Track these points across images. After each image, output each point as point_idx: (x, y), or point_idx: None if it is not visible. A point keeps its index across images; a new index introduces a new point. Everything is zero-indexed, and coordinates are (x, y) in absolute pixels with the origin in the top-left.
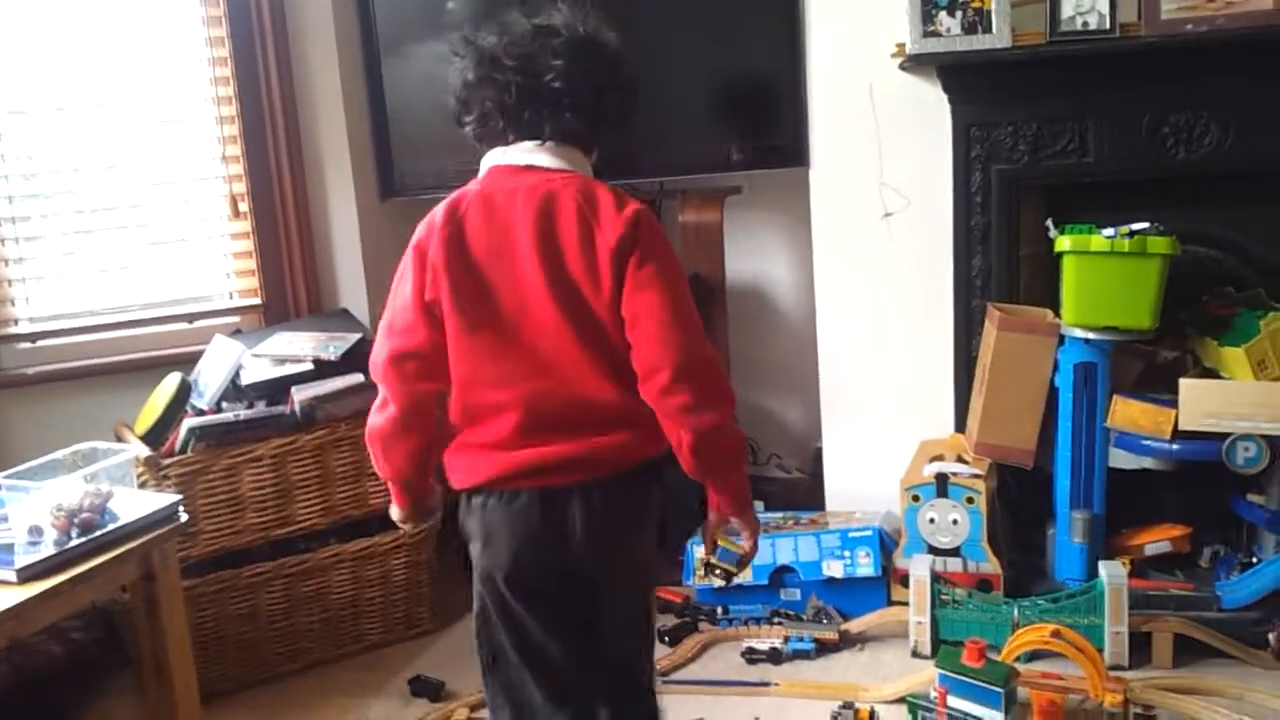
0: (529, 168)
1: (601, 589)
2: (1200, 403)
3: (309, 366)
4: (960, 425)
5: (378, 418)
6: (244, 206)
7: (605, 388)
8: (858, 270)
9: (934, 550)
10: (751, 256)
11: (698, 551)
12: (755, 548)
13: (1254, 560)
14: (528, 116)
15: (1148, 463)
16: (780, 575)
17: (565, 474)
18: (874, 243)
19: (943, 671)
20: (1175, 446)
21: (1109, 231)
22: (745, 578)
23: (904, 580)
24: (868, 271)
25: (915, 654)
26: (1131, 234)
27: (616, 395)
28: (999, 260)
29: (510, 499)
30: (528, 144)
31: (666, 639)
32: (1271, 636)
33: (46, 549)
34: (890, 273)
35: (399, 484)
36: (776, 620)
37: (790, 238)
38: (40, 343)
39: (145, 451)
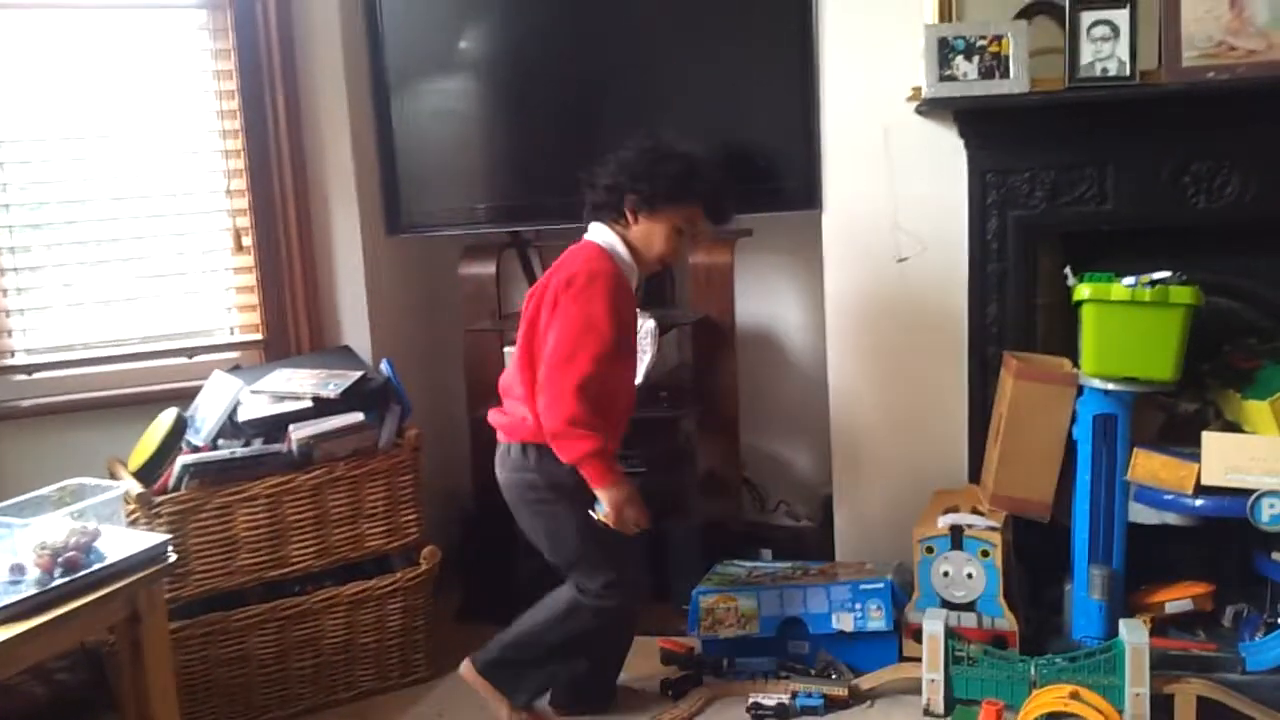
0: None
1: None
2: (1224, 457)
3: (308, 404)
4: (975, 476)
5: None
6: (247, 241)
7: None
8: (870, 315)
9: (948, 604)
10: (762, 300)
11: (703, 601)
12: (614, 517)
13: (1279, 621)
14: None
15: (1169, 518)
16: (789, 627)
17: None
18: (888, 288)
19: None
20: (1198, 502)
21: (1129, 280)
22: (752, 630)
23: (916, 635)
24: (880, 317)
25: (927, 713)
26: (1153, 283)
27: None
28: (1015, 308)
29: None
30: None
31: (671, 692)
32: None
33: (28, 588)
34: (904, 319)
35: None
36: (784, 674)
37: (802, 281)
38: (36, 375)
39: (137, 488)
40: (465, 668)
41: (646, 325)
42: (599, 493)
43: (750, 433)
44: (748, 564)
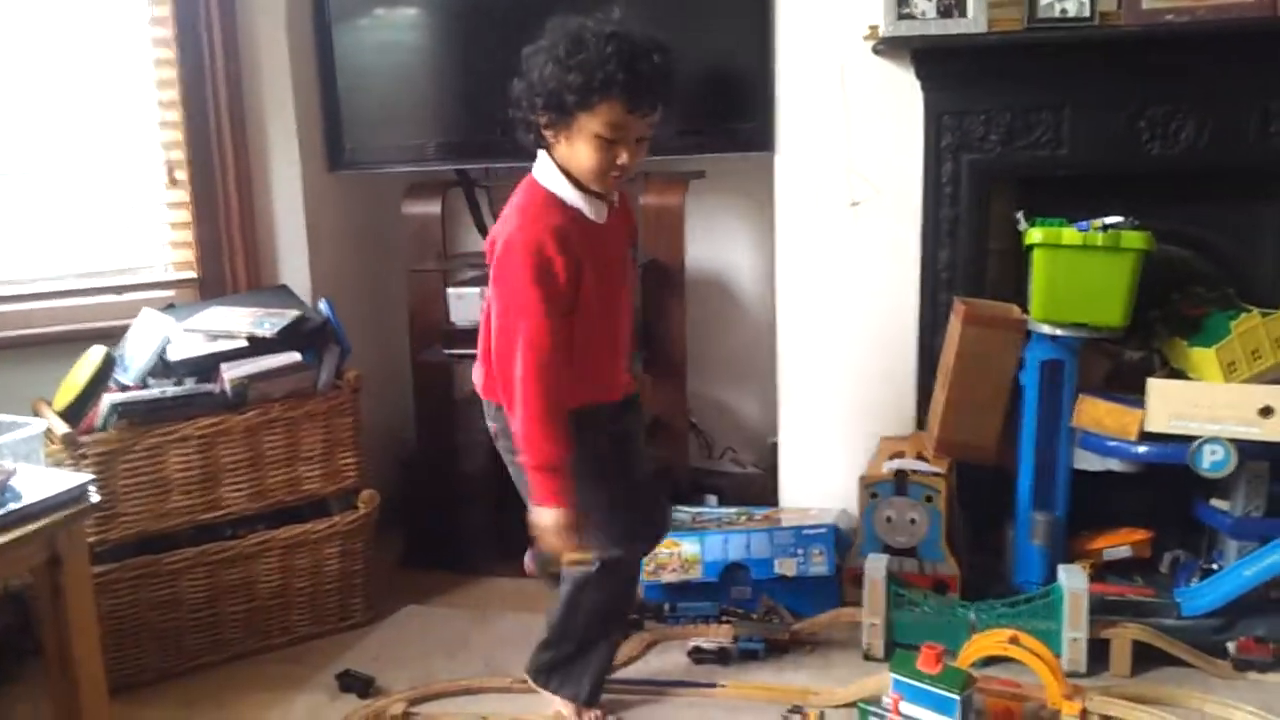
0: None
1: None
2: (1168, 404)
3: (243, 344)
4: (923, 422)
5: None
6: (181, 175)
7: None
8: (821, 260)
9: (890, 550)
10: (713, 243)
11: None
12: (540, 539)
13: (1215, 567)
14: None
15: (1112, 464)
16: (732, 572)
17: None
18: (840, 232)
19: (897, 677)
20: (1141, 449)
21: (1082, 225)
22: (695, 575)
23: (858, 580)
24: (832, 262)
25: (867, 657)
26: (1105, 228)
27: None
28: (967, 253)
29: None
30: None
31: None
32: (1231, 646)
33: None
34: (855, 263)
35: None
36: (726, 619)
37: (753, 225)
38: None
39: (62, 427)
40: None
41: None
42: (532, 506)
43: (698, 379)
44: (692, 509)
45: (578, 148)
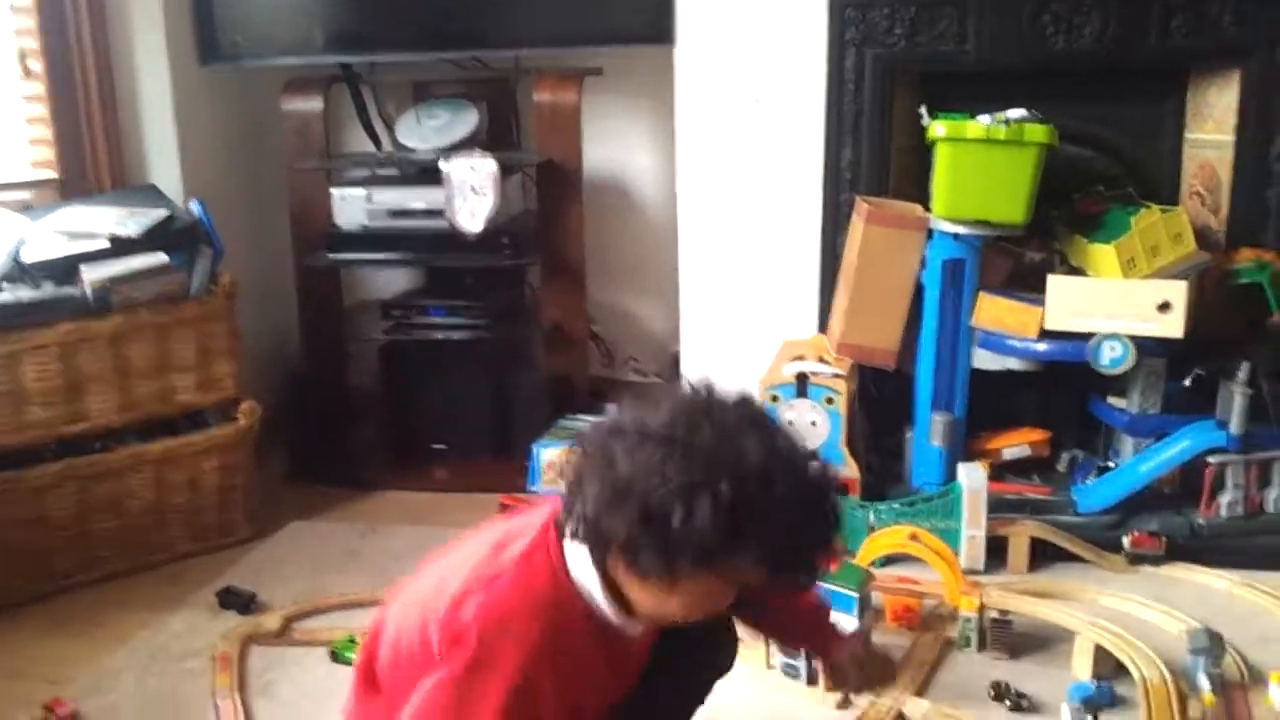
0: None
1: None
2: (1068, 301)
3: (104, 244)
4: (824, 325)
5: None
6: (35, 66)
7: None
8: (723, 161)
9: None
10: (611, 144)
11: (544, 455)
12: None
13: (1111, 465)
14: None
15: (1012, 363)
16: None
17: None
18: (741, 131)
19: None
20: (1041, 346)
21: (985, 119)
22: None
23: None
24: (733, 162)
25: None
26: (1008, 122)
27: None
28: (870, 151)
29: None
30: None
31: None
32: (1125, 540)
33: None
34: (757, 163)
35: None
36: None
37: (653, 124)
38: None
39: None
40: None
41: (487, 167)
42: None
43: (598, 285)
44: (591, 418)
45: (660, 596)
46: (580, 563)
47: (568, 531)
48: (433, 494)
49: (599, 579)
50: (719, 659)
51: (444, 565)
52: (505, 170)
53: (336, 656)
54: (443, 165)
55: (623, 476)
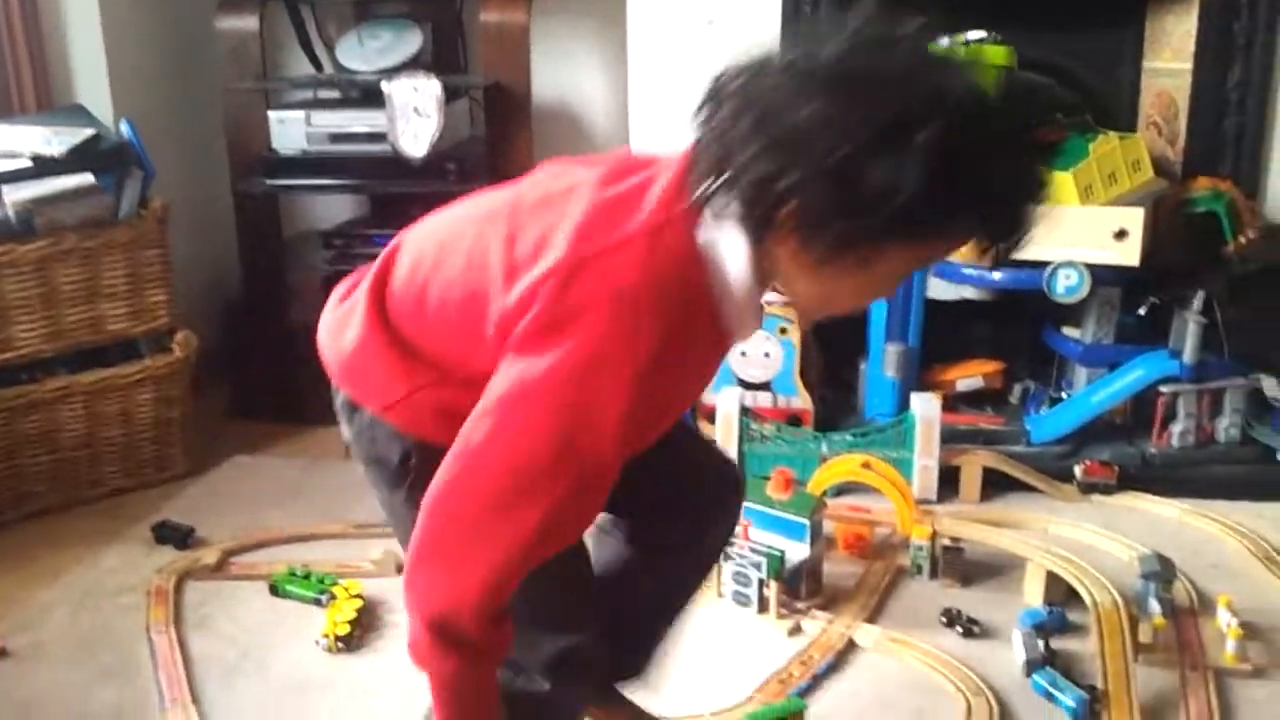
0: None
1: None
2: None
3: (26, 164)
4: None
5: None
6: None
7: None
8: (677, 85)
9: (743, 384)
10: (561, 67)
11: None
12: None
13: (1063, 395)
14: None
15: (967, 292)
16: None
17: None
18: (695, 54)
19: (747, 504)
20: (997, 275)
21: (944, 41)
22: None
23: (712, 416)
24: (687, 86)
25: None
26: (967, 43)
27: None
28: None
29: None
30: None
31: None
32: (1077, 470)
33: None
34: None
35: None
36: None
37: (604, 47)
38: None
39: None
40: None
41: (431, 89)
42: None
43: None
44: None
45: (838, 279)
46: (724, 244)
47: (710, 206)
48: None
49: (750, 264)
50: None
51: (500, 212)
52: (450, 93)
53: (276, 590)
54: (385, 87)
55: (799, 127)
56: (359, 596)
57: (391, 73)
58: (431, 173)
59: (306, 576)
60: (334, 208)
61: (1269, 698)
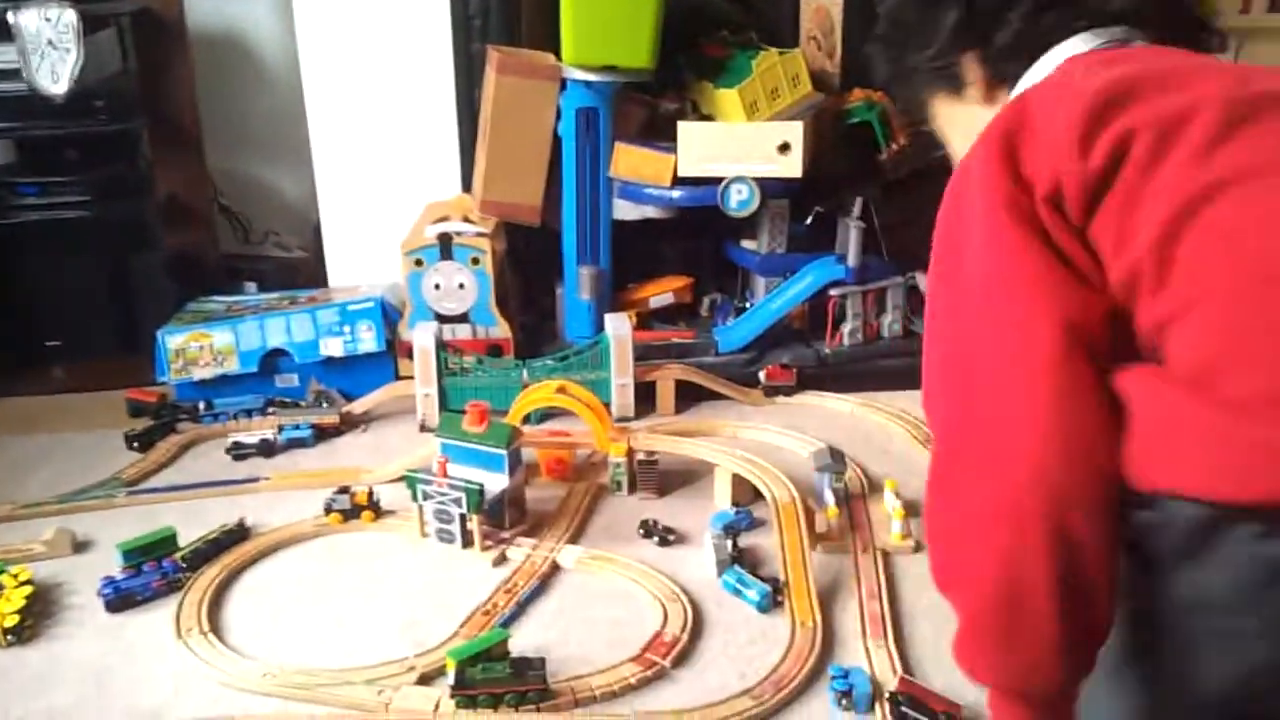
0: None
1: None
2: (697, 147)
3: None
4: (468, 184)
5: None
6: None
7: None
8: (344, 13)
9: (440, 318)
10: None
11: (170, 342)
12: None
13: (747, 304)
14: None
15: (650, 212)
16: (273, 360)
17: None
18: None
19: (444, 440)
20: (675, 194)
21: None
22: (231, 367)
23: (410, 353)
24: (355, 13)
25: (424, 428)
26: None
27: None
28: None
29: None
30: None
31: (136, 444)
32: (761, 375)
33: None
34: (380, 14)
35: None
36: (272, 411)
37: None
38: None
39: None
40: None
41: (65, 18)
42: None
43: (224, 154)
44: (228, 299)
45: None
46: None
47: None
48: (50, 396)
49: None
50: None
51: None
52: (92, 23)
53: None
54: (11, 18)
55: None
56: (29, 583)
57: (18, 2)
58: (79, 111)
59: None
60: None
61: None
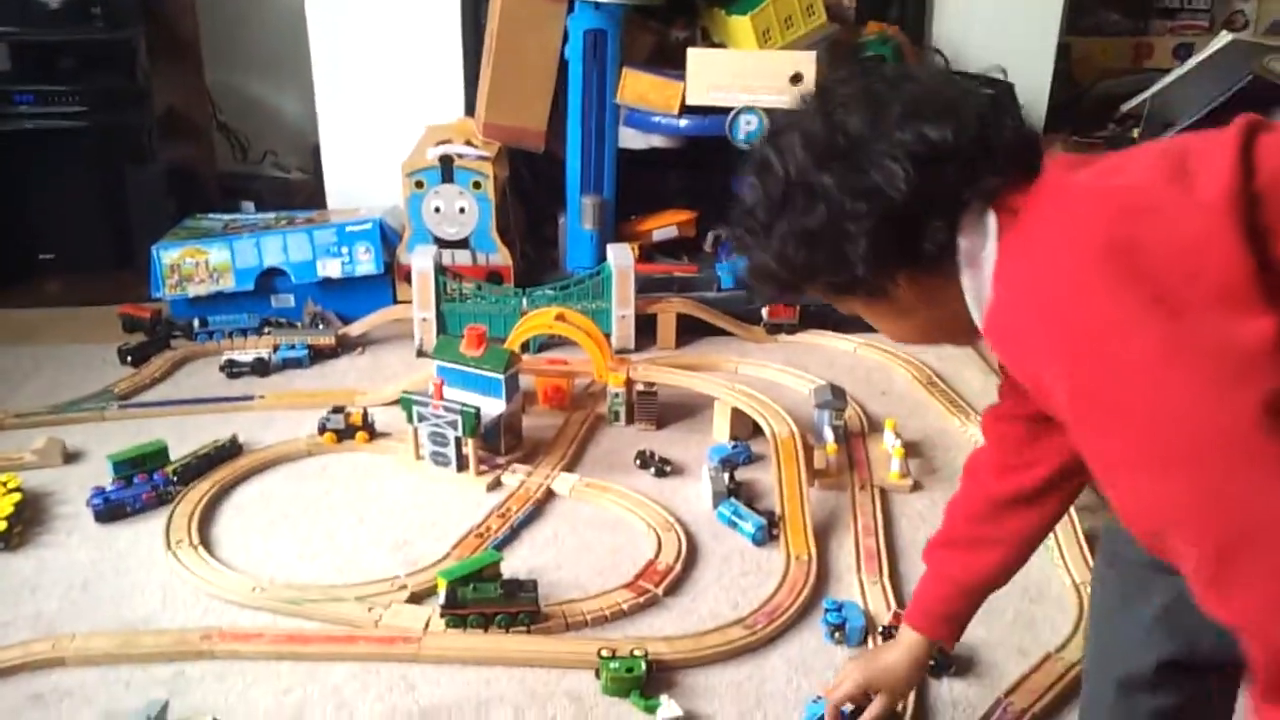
0: None
1: None
2: (706, 75)
3: None
4: (470, 108)
5: None
6: None
7: None
8: None
9: (440, 242)
10: None
11: (166, 257)
12: None
13: None
14: None
15: (656, 141)
16: (269, 279)
17: None
18: None
19: (440, 363)
20: (683, 122)
21: None
22: (226, 285)
23: (409, 276)
24: None
25: (420, 353)
26: None
27: None
28: None
29: None
30: None
31: (130, 358)
32: (764, 312)
33: None
34: None
35: None
36: (267, 331)
37: None
38: None
39: None
40: None
41: None
42: None
43: (224, 71)
44: (225, 217)
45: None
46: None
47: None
48: (44, 310)
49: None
50: None
51: None
52: None
53: None
54: None
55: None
56: (18, 490)
57: None
58: (76, 17)
59: None
60: None
61: (927, 509)
